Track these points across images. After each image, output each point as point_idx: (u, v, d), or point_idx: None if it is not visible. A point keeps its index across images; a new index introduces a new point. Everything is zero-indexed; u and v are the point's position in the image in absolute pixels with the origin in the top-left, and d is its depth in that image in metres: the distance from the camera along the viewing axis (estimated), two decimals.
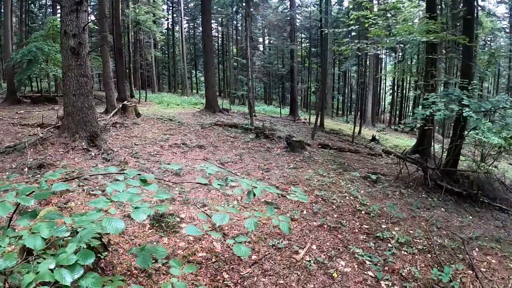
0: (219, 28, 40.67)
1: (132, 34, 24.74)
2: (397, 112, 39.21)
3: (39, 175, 7.39)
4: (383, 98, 44.98)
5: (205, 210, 5.94)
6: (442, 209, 7.48)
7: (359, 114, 23.23)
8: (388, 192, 8.03)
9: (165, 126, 13.72)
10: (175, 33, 39.21)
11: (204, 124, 14.91)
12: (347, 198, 7.18)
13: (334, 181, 8.20)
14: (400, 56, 33.83)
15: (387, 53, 38.50)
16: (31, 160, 8.10)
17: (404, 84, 38.71)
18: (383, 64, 39.87)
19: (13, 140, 10.03)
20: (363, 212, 6.60)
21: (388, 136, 23.30)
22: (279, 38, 30.29)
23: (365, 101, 28.08)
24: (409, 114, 39.89)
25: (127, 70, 24.39)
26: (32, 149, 8.62)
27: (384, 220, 6.40)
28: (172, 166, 7.38)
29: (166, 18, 38.42)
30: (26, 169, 7.65)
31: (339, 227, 5.80)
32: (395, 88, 39.83)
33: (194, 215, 5.75)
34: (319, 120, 16.60)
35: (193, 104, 25.03)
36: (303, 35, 37.48)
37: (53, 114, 14.32)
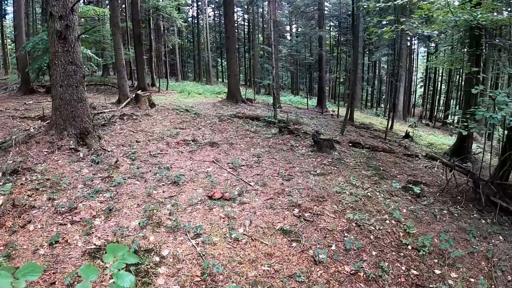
0: (245, 16, 38.64)
1: (154, 21, 23.23)
2: (428, 106, 36.14)
3: (11, 183, 6.02)
4: (414, 91, 41.70)
5: (198, 244, 4.27)
6: (500, 237, 5.50)
7: (390, 106, 20.83)
8: (435, 210, 6.09)
9: (179, 118, 12.15)
10: (200, 21, 37.59)
11: (222, 116, 13.24)
12: (388, 222, 5.33)
13: (369, 194, 6.35)
14: (433, 47, 30.83)
15: (420, 44, 35.34)
16: (11, 162, 6.74)
17: (436, 77, 35.50)
18: (414, 55, 36.57)
19: (5, 135, 8.72)
20: (409, 247, 4.74)
21: (421, 132, 20.78)
22: (306, 25, 28.00)
23: (397, 94, 25.53)
24: (441, 108, 36.68)
25: (148, 58, 23.10)
26: (17, 148, 7.27)
27: (437, 261, 4.53)
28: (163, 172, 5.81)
29: (190, 6, 36.78)
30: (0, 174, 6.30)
31: (379, 276, 3.98)
32: (427, 81, 36.66)
33: (180, 252, 4.10)
34: (349, 113, 14.56)
35: (216, 93, 23.41)
36: (331, 23, 34.85)
37: None
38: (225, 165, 7.43)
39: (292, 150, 9.28)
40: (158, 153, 7.92)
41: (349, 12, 30.06)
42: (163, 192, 5.80)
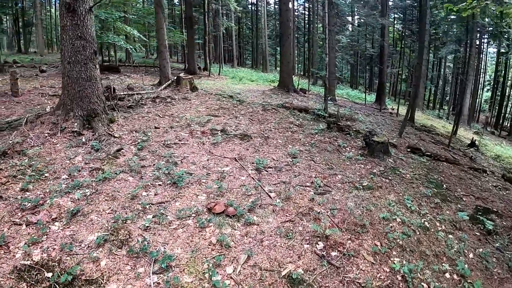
0: (306, 5, 36.35)
1: (208, 5, 22.14)
2: (495, 112, 31.20)
3: None
4: (479, 95, 36.34)
5: (159, 284, 2.87)
6: None
7: (457, 109, 17.71)
8: (510, 259, 4.10)
9: (218, 104, 10.81)
10: (259, 8, 35.99)
11: (267, 105, 11.70)
12: (448, 276, 3.50)
13: (427, 224, 4.50)
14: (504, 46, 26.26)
15: (489, 43, 30.48)
16: (10, 142, 5.89)
17: (505, 81, 30.49)
18: (482, 55, 31.46)
19: (25, 113, 8.06)
20: None
21: (487, 140, 17.38)
22: (368, 14, 25.26)
23: (464, 95, 21.91)
24: (507, 116, 31.54)
25: (202, 42, 22.23)
26: (23, 128, 6.44)
27: None
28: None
29: None
30: None
31: None
32: (495, 84, 31.60)
33: None
34: (409, 112, 12.29)
35: (270, 82, 21.86)
36: (395, 15, 31.31)
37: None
38: (248, 165, 5.94)
39: (338, 152, 7.54)
40: (174, 143, 6.65)
41: (415, 4, 26.71)
42: (155, 195, 4.47)
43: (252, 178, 5.38)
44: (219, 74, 21.45)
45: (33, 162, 5.13)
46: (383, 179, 5.99)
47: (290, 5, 16.95)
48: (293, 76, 18.53)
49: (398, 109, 16.59)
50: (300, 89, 17.50)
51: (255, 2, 37.13)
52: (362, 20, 28.82)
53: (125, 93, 10.31)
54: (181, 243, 3.46)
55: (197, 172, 5.39)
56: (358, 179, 5.84)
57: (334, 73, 19.23)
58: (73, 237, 3.45)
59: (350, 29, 34.05)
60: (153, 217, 3.88)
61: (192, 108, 10.03)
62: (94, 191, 4.37)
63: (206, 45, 21.19)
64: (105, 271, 2.98)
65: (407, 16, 29.29)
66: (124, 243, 3.37)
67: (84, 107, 6.34)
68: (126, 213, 3.92)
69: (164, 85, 12.23)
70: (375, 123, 12.48)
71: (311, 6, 33.24)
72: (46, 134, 6.04)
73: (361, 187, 5.46)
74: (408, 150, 8.56)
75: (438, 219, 4.77)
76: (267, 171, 5.78)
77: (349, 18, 35.57)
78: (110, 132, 6.27)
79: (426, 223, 4.51)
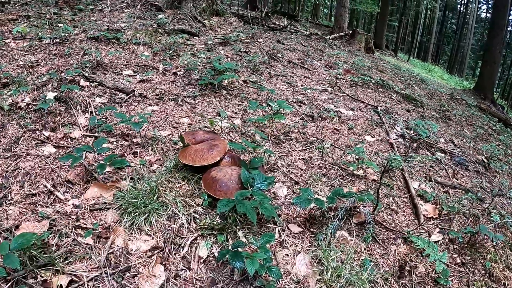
0: None
1: None
2: None
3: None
4: None
5: None
6: None
7: None
8: None
9: (391, 71, 7.36)
10: (468, 10, 28.14)
11: (457, 96, 7.69)
12: None
13: None
14: None
15: None
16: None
17: None
18: None
19: None
20: None
21: None
22: None
23: None
24: None
25: (397, 25, 18.39)
26: None
27: None
28: None
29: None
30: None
31: None
32: None
33: None
34: None
35: (463, 86, 16.29)
36: None
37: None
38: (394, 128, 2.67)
39: None
40: (288, 61, 3.89)
41: None
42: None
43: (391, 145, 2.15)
44: (407, 61, 17.12)
45: (69, 15, 3.44)
46: None
47: None
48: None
49: None
50: (499, 105, 12.74)
51: (465, 2, 29.27)
52: None
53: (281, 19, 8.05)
54: None
55: (282, 91, 2.52)
56: None
57: None
58: None
59: None
60: None
61: (352, 53, 7.03)
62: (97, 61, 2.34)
63: (401, 28, 17.35)
64: None
65: None
66: None
67: None
68: None
69: (335, 35, 9.45)
70: None
71: None
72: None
73: None
74: None
75: None
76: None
77: None
78: (198, 17, 3.97)
79: None
